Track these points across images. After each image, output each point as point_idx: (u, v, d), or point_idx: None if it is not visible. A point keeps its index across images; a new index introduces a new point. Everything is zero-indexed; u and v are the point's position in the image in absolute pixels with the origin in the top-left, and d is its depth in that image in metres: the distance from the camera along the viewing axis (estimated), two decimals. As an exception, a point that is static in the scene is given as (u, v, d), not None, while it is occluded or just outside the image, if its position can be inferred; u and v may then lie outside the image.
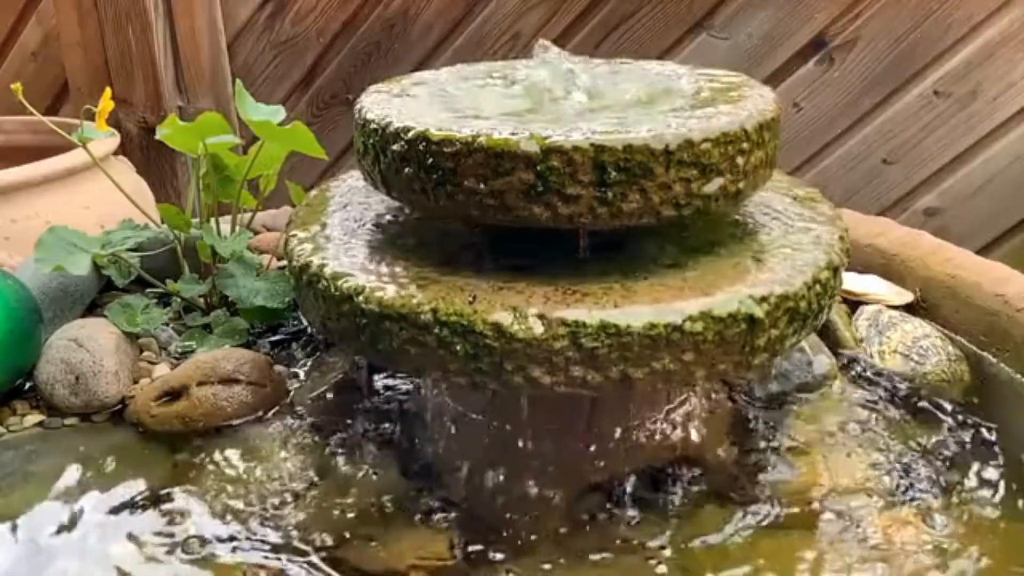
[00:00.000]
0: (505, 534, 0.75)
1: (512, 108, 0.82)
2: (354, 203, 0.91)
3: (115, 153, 1.53)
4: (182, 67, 1.91)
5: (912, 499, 0.78)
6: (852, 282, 1.05)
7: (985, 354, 0.97)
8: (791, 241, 0.80)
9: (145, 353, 0.98)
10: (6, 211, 1.37)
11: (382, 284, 0.73)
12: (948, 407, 0.90)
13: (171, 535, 0.75)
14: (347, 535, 0.75)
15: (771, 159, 0.79)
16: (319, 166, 1.87)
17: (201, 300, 1.04)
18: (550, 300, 0.70)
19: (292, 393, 0.93)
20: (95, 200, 1.42)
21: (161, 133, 0.99)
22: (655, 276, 0.74)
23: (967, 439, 0.85)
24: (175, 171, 1.93)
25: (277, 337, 1.02)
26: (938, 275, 1.03)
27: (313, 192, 0.96)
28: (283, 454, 0.85)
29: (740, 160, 0.74)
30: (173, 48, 1.90)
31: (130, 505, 0.79)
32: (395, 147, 0.75)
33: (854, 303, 1.04)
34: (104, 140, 1.36)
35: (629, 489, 0.79)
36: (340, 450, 0.85)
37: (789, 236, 0.81)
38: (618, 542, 0.74)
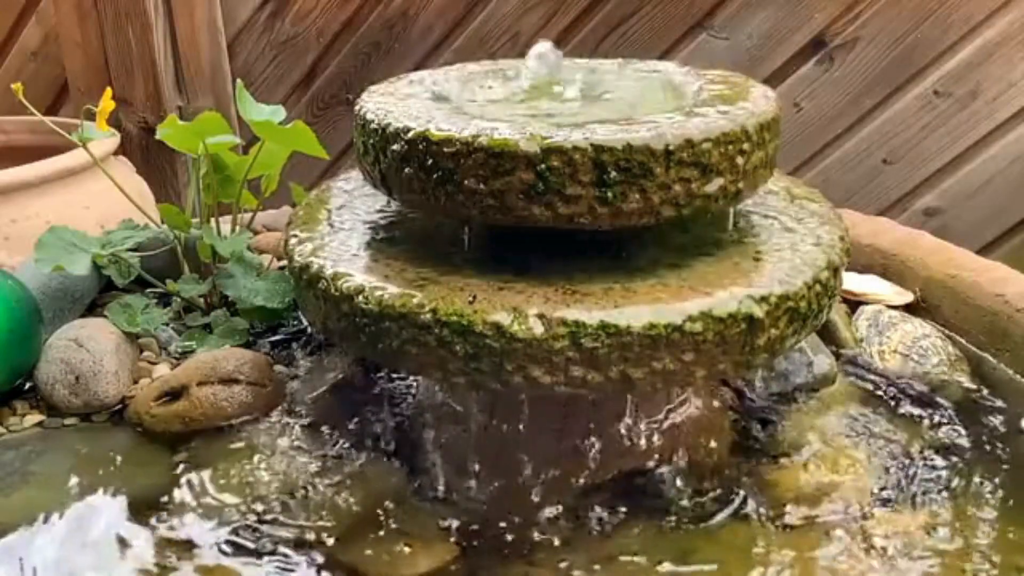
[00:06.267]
0: (506, 535, 0.75)
1: (511, 107, 0.82)
2: (354, 203, 0.91)
3: (115, 153, 1.53)
4: (182, 67, 1.91)
5: (912, 499, 0.78)
6: (852, 282, 1.05)
7: (985, 354, 0.97)
8: (791, 241, 0.80)
9: (145, 353, 0.98)
10: (6, 211, 1.37)
11: (382, 284, 0.73)
12: (948, 407, 0.90)
13: (171, 535, 0.75)
14: (347, 536, 0.75)
15: (771, 159, 0.79)
16: (319, 166, 1.86)
17: (201, 300, 1.04)
18: (550, 300, 0.70)
19: (292, 393, 0.93)
20: (95, 200, 1.42)
21: (161, 133, 0.99)
22: (655, 276, 0.74)
23: (967, 439, 0.85)
24: (175, 171, 1.93)
25: (277, 337, 1.02)
26: (938, 275, 1.03)
27: (313, 192, 0.96)
28: (283, 454, 0.84)
29: (740, 160, 0.74)
30: (173, 48, 1.89)
31: (130, 505, 0.79)
32: (395, 147, 0.75)
33: (854, 303, 1.04)
34: (104, 140, 1.36)
35: (629, 489, 0.79)
36: (340, 450, 0.85)
37: (789, 236, 0.81)
38: (618, 542, 0.74)
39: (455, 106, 0.81)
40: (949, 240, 1.09)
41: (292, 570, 0.71)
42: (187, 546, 0.74)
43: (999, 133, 1.84)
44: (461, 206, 0.73)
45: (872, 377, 0.94)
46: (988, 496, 0.78)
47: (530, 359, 0.68)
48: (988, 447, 0.84)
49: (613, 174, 0.70)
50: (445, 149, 0.72)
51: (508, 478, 0.79)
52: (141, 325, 0.98)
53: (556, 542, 0.74)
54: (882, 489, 0.79)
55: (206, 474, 0.82)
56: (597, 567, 0.72)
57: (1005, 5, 1.76)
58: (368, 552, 0.73)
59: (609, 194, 0.70)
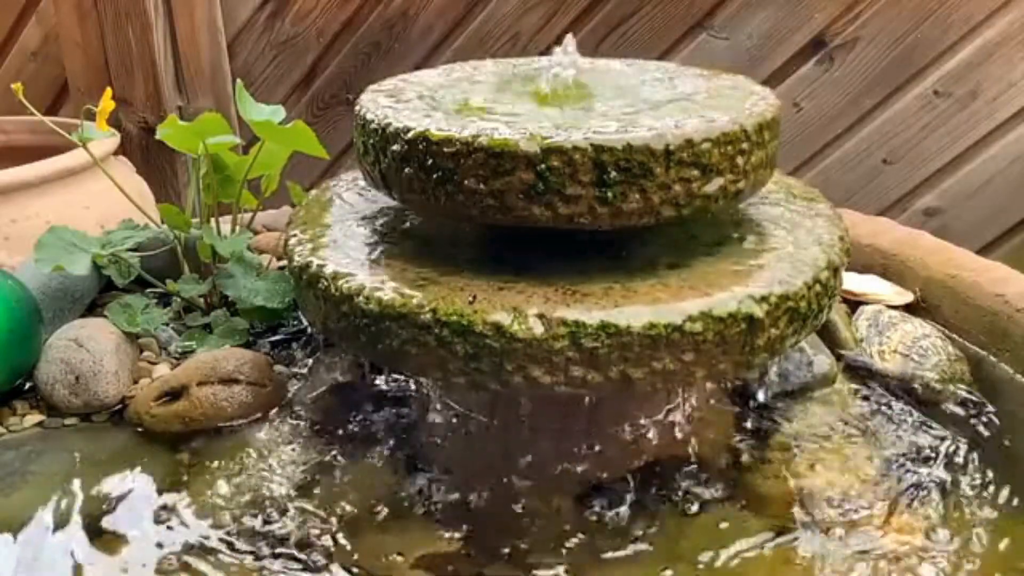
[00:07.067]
0: (506, 535, 0.75)
1: (512, 107, 0.82)
2: (354, 203, 0.91)
3: (115, 153, 1.53)
4: (182, 67, 1.91)
5: (912, 499, 0.78)
6: (852, 282, 1.05)
7: (985, 354, 0.97)
8: (791, 241, 0.80)
9: (145, 353, 0.98)
10: (6, 211, 1.37)
11: (382, 284, 0.73)
12: (948, 407, 0.90)
13: (170, 535, 0.75)
14: (347, 536, 0.75)
15: (771, 159, 0.79)
16: (319, 166, 1.86)
17: (201, 300, 1.04)
18: (550, 300, 0.70)
19: (292, 393, 0.93)
20: (95, 200, 1.42)
21: (161, 133, 0.99)
22: (655, 276, 0.74)
23: (967, 439, 0.85)
24: (175, 171, 1.93)
25: (277, 337, 1.02)
26: (938, 275, 1.03)
27: (313, 192, 0.96)
28: (283, 454, 0.84)
29: (740, 160, 0.74)
30: (173, 48, 1.89)
31: (130, 505, 0.79)
32: (395, 147, 0.75)
33: (854, 303, 1.04)
34: (104, 140, 1.36)
35: (630, 490, 0.79)
36: (340, 450, 0.85)
37: (789, 236, 0.81)
38: (619, 543, 0.74)
39: (452, 105, 0.81)
40: (949, 240, 1.09)
41: (289, 572, 0.71)
42: (186, 546, 0.74)
43: (999, 133, 1.84)
44: (461, 206, 0.73)
45: (872, 377, 0.94)
46: (989, 496, 0.78)
47: (530, 359, 0.68)
48: (988, 447, 0.84)
49: (613, 174, 0.70)
50: (445, 149, 0.72)
51: (508, 479, 0.79)
52: (141, 325, 0.98)
53: (557, 543, 0.74)
54: (883, 489, 0.79)
55: (206, 474, 0.82)
56: (598, 567, 0.72)
57: (1005, 5, 1.76)
58: (366, 555, 0.73)
59: (609, 194, 0.70)
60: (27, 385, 0.93)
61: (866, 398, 0.91)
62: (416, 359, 0.71)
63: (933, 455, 0.83)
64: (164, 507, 0.78)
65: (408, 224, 0.86)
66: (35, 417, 0.90)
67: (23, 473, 0.83)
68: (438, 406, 0.88)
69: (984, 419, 0.88)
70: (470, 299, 0.70)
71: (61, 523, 0.77)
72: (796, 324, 0.73)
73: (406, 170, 0.75)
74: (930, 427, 0.87)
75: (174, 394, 0.88)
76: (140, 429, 0.88)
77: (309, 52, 1.95)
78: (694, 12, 1.83)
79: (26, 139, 1.62)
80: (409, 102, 0.81)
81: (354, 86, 1.94)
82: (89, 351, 0.90)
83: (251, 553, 0.73)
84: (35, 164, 1.40)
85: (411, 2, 1.89)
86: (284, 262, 1.01)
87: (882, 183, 1.90)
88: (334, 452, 0.85)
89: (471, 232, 0.84)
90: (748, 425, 0.88)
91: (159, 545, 0.74)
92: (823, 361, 0.93)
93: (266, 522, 0.76)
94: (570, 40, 0.86)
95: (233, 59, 1.95)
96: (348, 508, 0.78)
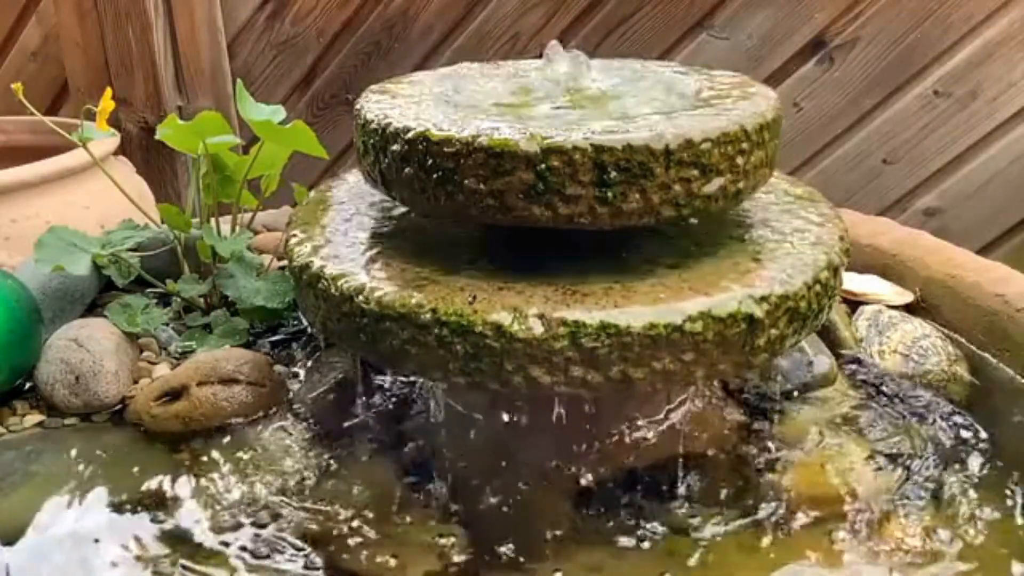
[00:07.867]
0: (505, 536, 0.75)
1: (511, 108, 0.82)
2: (354, 203, 0.91)
3: (115, 153, 1.53)
4: (182, 67, 1.91)
5: (912, 499, 0.78)
6: (852, 282, 1.05)
7: (985, 354, 0.97)
8: (791, 241, 0.80)
9: (145, 353, 0.98)
10: (6, 211, 1.37)
11: (382, 284, 0.73)
12: (948, 407, 0.90)
13: (170, 535, 0.75)
14: (346, 536, 0.75)
15: (771, 159, 0.79)
16: (319, 166, 1.87)
17: (201, 300, 1.04)
18: (550, 300, 0.70)
19: (292, 393, 0.93)
20: (95, 200, 1.42)
21: (161, 133, 0.99)
22: (655, 276, 0.74)
23: (967, 439, 0.85)
24: (175, 171, 1.93)
25: (277, 337, 1.02)
26: (938, 275, 1.03)
27: (313, 192, 0.96)
28: (282, 454, 0.84)
29: (740, 160, 0.74)
30: (173, 48, 1.90)
31: (130, 506, 0.79)
32: (395, 147, 0.75)
33: (854, 303, 1.04)
34: (104, 140, 1.36)
35: (630, 490, 0.79)
36: (339, 450, 0.85)
37: (789, 236, 0.81)
38: (619, 544, 0.74)
39: (455, 105, 0.81)
40: (949, 240, 1.09)
41: (288, 573, 0.71)
42: (185, 547, 0.74)
43: (999, 133, 1.84)
44: (461, 206, 0.73)
45: (872, 377, 0.94)
46: (988, 496, 0.78)
47: (530, 359, 0.68)
48: (988, 447, 0.84)
49: (613, 174, 0.70)
50: (445, 149, 0.72)
51: (507, 481, 0.79)
52: (141, 325, 0.98)
53: (556, 543, 0.74)
54: (881, 489, 0.79)
55: (206, 475, 0.82)
56: (598, 567, 0.72)
57: (1005, 5, 1.76)
58: (367, 552, 0.73)
59: (609, 194, 0.70)
60: (27, 385, 0.93)
61: (865, 398, 0.91)
62: (416, 359, 0.71)
63: (931, 455, 0.83)
64: (163, 507, 0.78)
65: (408, 224, 0.86)
66: (35, 417, 0.90)
67: (23, 473, 0.83)
68: (437, 406, 0.88)
69: (984, 419, 0.88)
70: (470, 299, 0.70)
71: (60, 524, 0.77)
72: (796, 324, 0.73)
73: (406, 170, 0.75)
74: (929, 427, 0.87)
75: (174, 394, 0.88)
76: (140, 429, 0.88)
77: (309, 52, 1.95)
78: (694, 12, 1.84)
79: (26, 139, 1.62)
80: (409, 101, 0.81)
81: (354, 86, 1.94)
82: (89, 351, 0.90)
83: (249, 554, 0.73)
84: (35, 164, 1.40)
85: (411, 2, 1.89)
86: (284, 262, 1.01)
87: (882, 183, 1.90)
88: (333, 452, 0.85)
89: (471, 232, 0.84)
90: (749, 426, 0.88)
91: (157, 546, 0.74)
92: (823, 361, 0.93)
93: (265, 523, 0.76)
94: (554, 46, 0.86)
95: (233, 59, 1.95)
96: (346, 509, 0.78)
